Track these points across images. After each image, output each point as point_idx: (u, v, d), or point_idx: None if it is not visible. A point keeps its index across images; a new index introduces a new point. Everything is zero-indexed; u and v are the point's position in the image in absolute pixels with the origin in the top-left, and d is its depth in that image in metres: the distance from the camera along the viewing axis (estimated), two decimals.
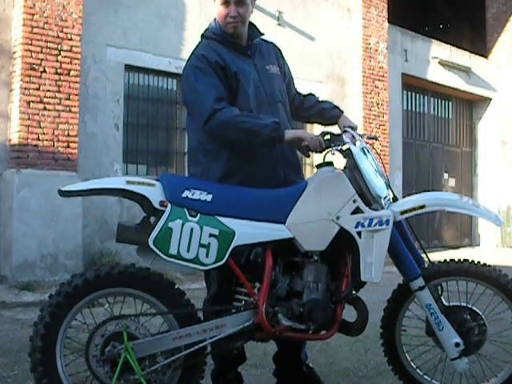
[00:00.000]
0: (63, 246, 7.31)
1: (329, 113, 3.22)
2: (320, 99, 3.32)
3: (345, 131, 2.93)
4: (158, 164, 8.95)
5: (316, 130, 9.47)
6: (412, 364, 3.06)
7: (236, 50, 2.98)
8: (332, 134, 2.86)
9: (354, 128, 3.00)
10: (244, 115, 2.79)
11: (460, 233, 14.19)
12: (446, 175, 13.94)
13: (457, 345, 2.81)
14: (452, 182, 14.04)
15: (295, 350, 3.14)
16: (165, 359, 2.60)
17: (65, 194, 2.62)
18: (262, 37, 3.14)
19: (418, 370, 3.06)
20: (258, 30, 3.11)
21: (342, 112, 3.21)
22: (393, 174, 11.55)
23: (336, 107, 3.23)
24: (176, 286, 2.69)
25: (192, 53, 2.98)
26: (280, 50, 3.23)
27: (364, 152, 2.84)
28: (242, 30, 2.99)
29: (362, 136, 2.92)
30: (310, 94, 3.33)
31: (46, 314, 2.50)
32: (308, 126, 9.84)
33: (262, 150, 2.90)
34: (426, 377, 3.05)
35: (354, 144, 2.83)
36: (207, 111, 2.76)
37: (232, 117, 2.76)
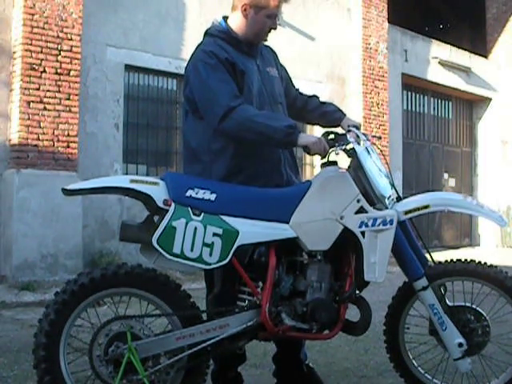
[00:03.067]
0: (63, 246, 7.29)
1: (331, 116, 3.20)
2: (322, 101, 3.31)
3: (349, 131, 2.92)
4: (158, 164, 8.95)
5: (316, 131, 9.45)
6: (414, 362, 3.05)
7: (241, 50, 2.96)
8: (336, 134, 2.86)
9: (357, 127, 3.00)
10: (260, 115, 2.76)
11: (460, 233, 14.20)
12: (445, 175, 13.94)
13: (460, 345, 2.80)
14: (452, 182, 14.04)
15: (294, 350, 3.14)
16: (168, 359, 2.59)
17: (68, 192, 2.61)
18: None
19: (419, 369, 3.05)
20: None
21: (345, 115, 3.20)
22: (393, 174, 11.44)
23: (339, 110, 3.22)
24: (182, 288, 2.68)
25: (197, 48, 2.95)
26: (276, 54, 3.23)
27: (368, 152, 2.83)
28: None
29: (366, 135, 2.91)
30: (314, 96, 3.31)
31: (51, 311, 2.50)
32: (308, 127, 9.83)
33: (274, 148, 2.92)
34: (427, 376, 3.04)
35: (358, 143, 2.82)
36: (222, 109, 2.72)
37: (247, 117, 2.72)
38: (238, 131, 2.75)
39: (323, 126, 3.29)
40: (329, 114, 3.20)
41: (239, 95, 2.80)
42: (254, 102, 2.88)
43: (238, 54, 2.92)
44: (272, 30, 2.98)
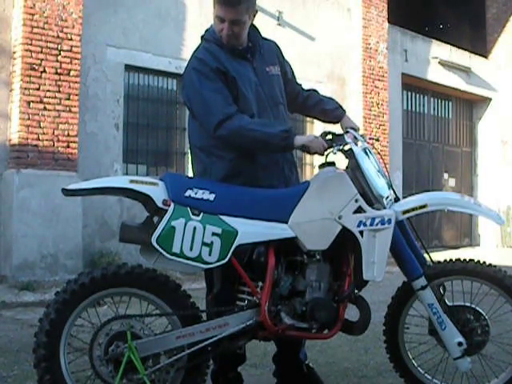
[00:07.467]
0: (63, 246, 7.30)
1: (332, 113, 3.21)
2: (323, 96, 3.29)
3: (347, 132, 2.94)
4: (157, 164, 8.95)
5: (316, 131, 9.45)
6: (414, 362, 3.06)
7: (235, 54, 2.94)
8: (334, 134, 2.86)
9: (356, 129, 3.01)
10: (254, 123, 2.78)
11: (460, 233, 14.19)
12: (445, 175, 13.94)
13: (459, 344, 2.81)
14: (452, 182, 14.03)
15: (294, 350, 3.14)
16: (168, 358, 2.60)
17: (68, 193, 2.62)
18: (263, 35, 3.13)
19: (419, 369, 3.05)
20: (259, 32, 3.09)
21: (345, 112, 3.20)
22: (393, 174, 11.54)
23: (339, 107, 3.22)
24: (182, 288, 2.69)
25: (192, 55, 2.96)
26: (280, 49, 3.21)
27: (366, 152, 2.84)
28: (237, 42, 2.94)
29: (363, 137, 2.92)
30: (313, 91, 3.30)
31: (51, 311, 2.51)
32: (308, 126, 9.83)
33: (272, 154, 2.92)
34: (427, 375, 3.04)
35: (356, 144, 2.83)
36: (216, 119, 2.75)
37: (241, 126, 2.74)
38: (233, 139, 2.79)
39: (323, 122, 3.30)
40: (329, 112, 3.21)
41: (233, 104, 2.80)
42: (252, 108, 2.89)
43: (230, 60, 2.91)
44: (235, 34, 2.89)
